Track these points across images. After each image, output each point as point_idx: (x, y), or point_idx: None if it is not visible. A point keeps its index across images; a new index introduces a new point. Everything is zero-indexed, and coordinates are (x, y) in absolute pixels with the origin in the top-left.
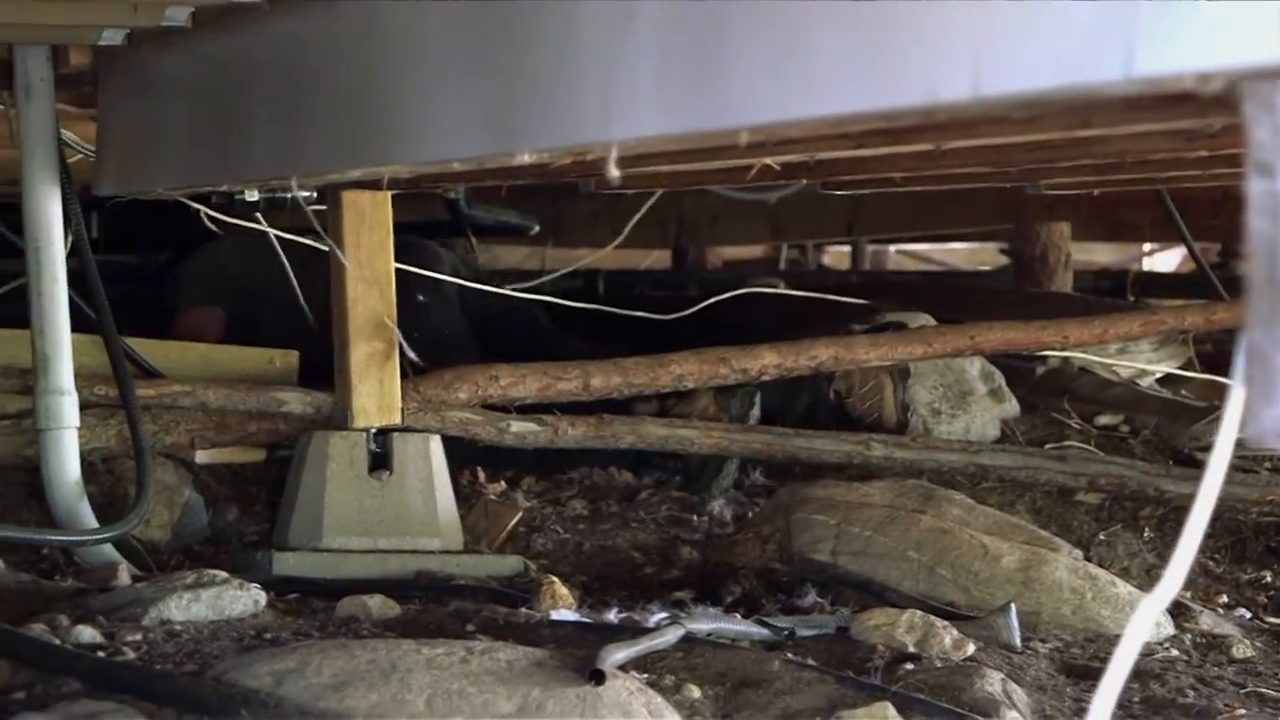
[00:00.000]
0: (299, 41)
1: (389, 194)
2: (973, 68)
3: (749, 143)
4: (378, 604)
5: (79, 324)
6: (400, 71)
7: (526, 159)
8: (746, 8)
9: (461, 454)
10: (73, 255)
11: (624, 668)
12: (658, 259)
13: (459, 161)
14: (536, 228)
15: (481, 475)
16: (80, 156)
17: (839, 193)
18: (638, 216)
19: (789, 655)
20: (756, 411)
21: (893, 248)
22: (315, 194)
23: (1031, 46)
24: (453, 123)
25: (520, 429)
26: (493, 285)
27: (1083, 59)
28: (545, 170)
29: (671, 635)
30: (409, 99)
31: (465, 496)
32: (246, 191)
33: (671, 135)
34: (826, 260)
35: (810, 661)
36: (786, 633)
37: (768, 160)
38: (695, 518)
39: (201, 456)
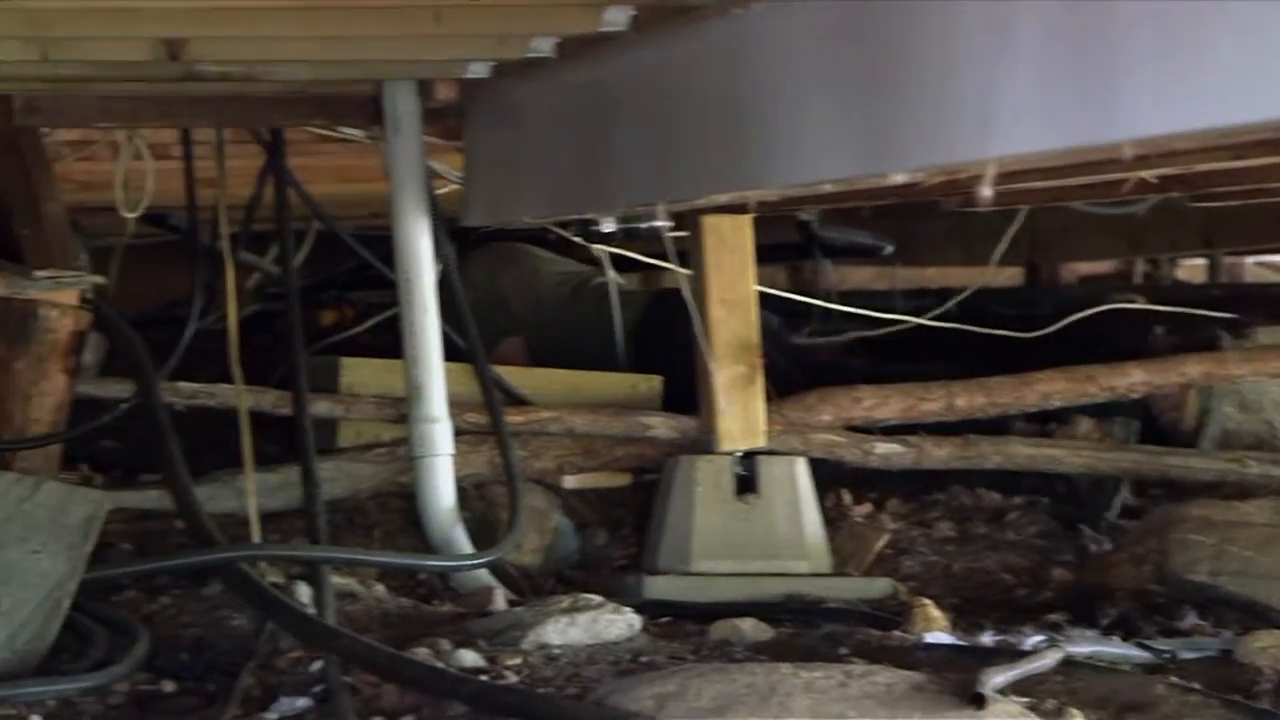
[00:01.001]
0: (664, 68)
1: (749, 217)
2: None
3: (1131, 156)
4: (750, 627)
5: (448, 353)
6: (769, 94)
7: (899, 179)
8: (1132, 19)
9: (825, 476)
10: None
11: (1004, 691)
12: (1009, 276)
13: (830, 183)
14: (890, 248)
15: (847, 497)
16: (449, 189)
17: (1201, 205)
18: (1005, 242)
19: (1172, 679)
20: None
21: (1250, 259)
22: (672, 222)
23: None
24: (824, 144)
25: (885, 450)
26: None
27: None
28: (914, 190)
29: (1050, 658)
30: (778, 121)
31: (831, 519)
32: (602, 221)
33: (1053, 151)
34: (1180, 274)
35: (1195, 685)
36: (1168, 655)
37: (1143, 174)
38: (1065, 539)
39: (569, 481)
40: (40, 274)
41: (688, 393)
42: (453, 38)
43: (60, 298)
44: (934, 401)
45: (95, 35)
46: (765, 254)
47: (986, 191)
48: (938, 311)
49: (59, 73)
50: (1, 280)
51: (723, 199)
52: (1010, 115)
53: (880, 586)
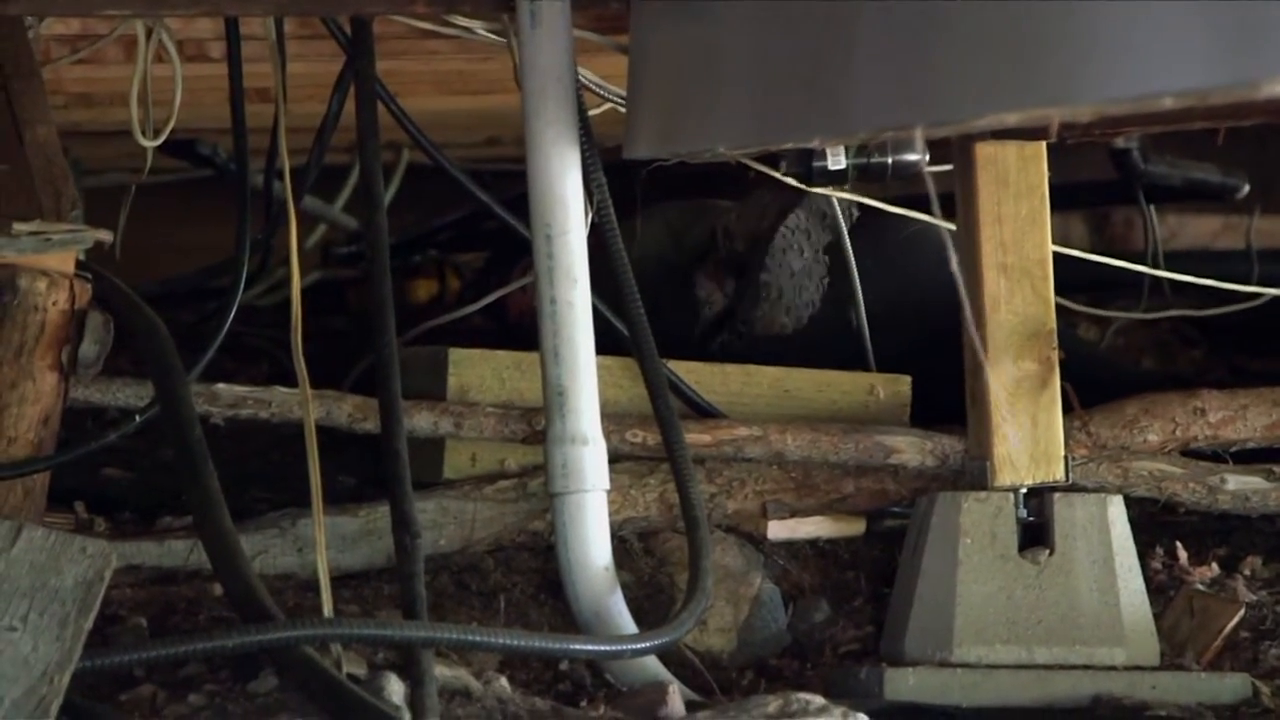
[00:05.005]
0: None
1: (1042, 146)
2: None
3: None
4: None
5: (603, 344)
6: None
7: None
8: None
9: (1151, 523)
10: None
11: None
12: None
13: (1173, 96)
14: (1246, 187)
15: (1182, 555)
16: (605, 107)
17: None
18: None
19: None
20: None
21: None
22: (926, 156)
23: None
24: (1166, 42)
25: (1240, 485)
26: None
27: None
28: None
29: None
30: (1098, 12)
31: (1158, 586)
32: (830, 156)
33: None
34: None
35: None
36: None
37: None
38: None
39: (776, 530)
40: (21, 227)
41: (945, 399)
42: None
43: (49, 263)
44: None
45: None
46: (1059, 197)
47: None
48: None
49: None
50: None
51: (1011, 120)
52: None
53: (1233, 687)
